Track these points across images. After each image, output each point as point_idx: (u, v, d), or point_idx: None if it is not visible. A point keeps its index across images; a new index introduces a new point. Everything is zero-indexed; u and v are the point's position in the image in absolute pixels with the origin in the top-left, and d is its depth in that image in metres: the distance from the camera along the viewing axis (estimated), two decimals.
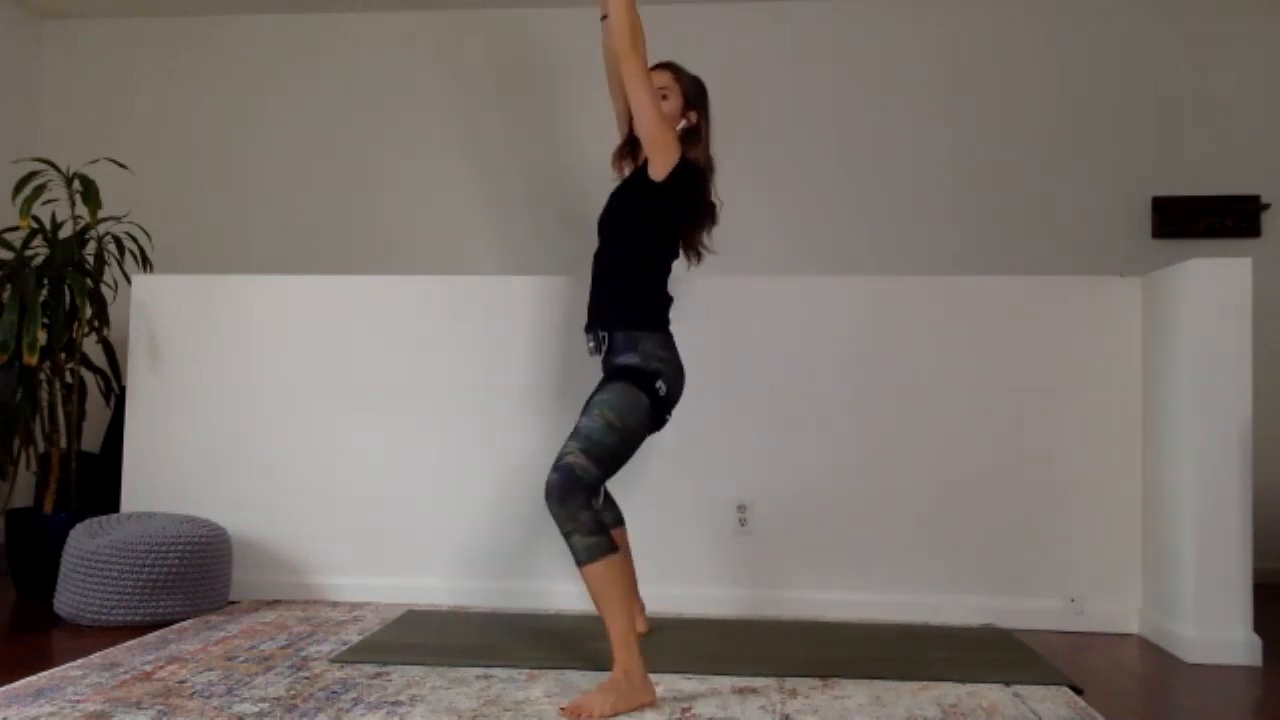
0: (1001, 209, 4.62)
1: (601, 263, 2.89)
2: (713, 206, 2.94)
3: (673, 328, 2.85)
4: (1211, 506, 3.07)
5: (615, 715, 2.36)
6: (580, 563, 2.47)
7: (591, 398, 2.72)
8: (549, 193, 4.80)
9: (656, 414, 2.73)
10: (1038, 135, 4.63)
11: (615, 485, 3.07)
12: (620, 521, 3.09)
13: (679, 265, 2.96)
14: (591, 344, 2.84)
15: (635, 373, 2.70)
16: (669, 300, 2.87)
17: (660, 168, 2.74)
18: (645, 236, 2.83)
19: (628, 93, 2.74)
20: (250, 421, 3.72)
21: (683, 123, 2.88)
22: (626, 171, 3.01)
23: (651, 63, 2.89)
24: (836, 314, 3.61)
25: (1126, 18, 4.64)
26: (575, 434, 2.60)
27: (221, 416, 3.73)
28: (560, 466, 2.53)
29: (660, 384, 2.71)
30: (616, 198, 2.94)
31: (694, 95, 2.91)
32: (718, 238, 3.01)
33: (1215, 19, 4.60)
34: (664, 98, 2.85)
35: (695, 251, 2.98)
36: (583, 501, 2.50)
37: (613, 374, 2.74)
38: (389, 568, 3.64)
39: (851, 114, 4.72)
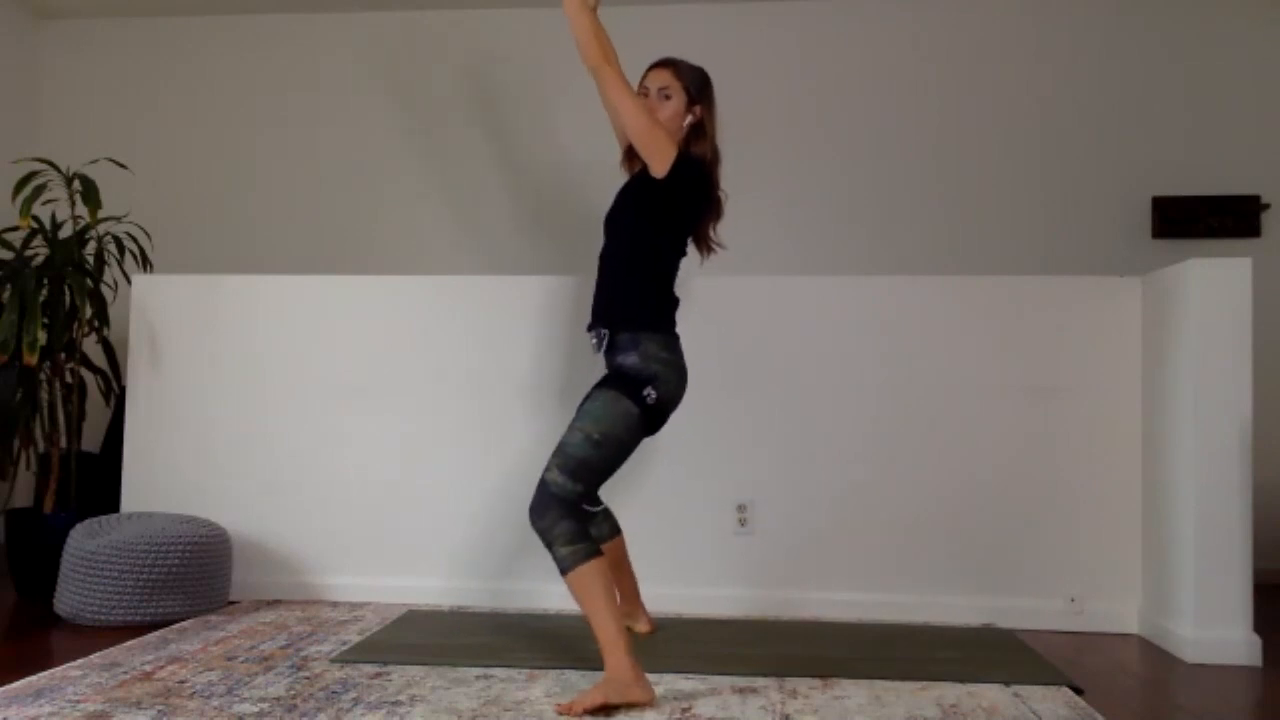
0: (1002, 209, 4.62)
1: (606, 261, 2.85)
2: (718, 200, 2.87)
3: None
4: (1211, 506, 3.07)
5: (606, 702, 2.37)
6: (564, 571, 2.50)
7: (581, 404, 2.71)
8: (552, 192, 4.80)
9: (648, 420, 2.69)
10: (1037, 135, 4.64)
11: (615, 485, 3.05)
12: (616, 533, 3.09)
13: (685, 264, 2.92)
14: (594, 341, 2.81)
15: (627, 379, 2.66)
16: (675, 301, 2.82)
17: (659, 168, 2.70)
18: (650, 234, 2.78)
19: (612, 102, 2.72)
20: (250, 421, 3.71)
21: (688, 119, 2.82)
22: (636, 170, 2.99)
23: (647, 64, 2.89)
24: (836, 314, 3.60)
25: (1127, 18, 4.64)
26: (557, 449, 2.61)
27: (221, 416, 3.73)
28: (539, 484, 2.58)
29: (650, 391, 2.65)
30: (623, 195, 2.91)
31: (697, 89, 2.84)
32: (720, 236, 2.99)
33: (1215, 19, 4.60)
34: (667, 97, 2.81)
35: (706, 246, 2.93)
36: (560, 513, 2.52)
37: (606, 379, 2.72)
38: (389, 568, 3.64)
39: (851, 114, 4.72)
